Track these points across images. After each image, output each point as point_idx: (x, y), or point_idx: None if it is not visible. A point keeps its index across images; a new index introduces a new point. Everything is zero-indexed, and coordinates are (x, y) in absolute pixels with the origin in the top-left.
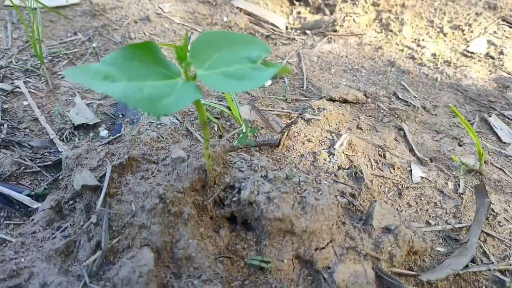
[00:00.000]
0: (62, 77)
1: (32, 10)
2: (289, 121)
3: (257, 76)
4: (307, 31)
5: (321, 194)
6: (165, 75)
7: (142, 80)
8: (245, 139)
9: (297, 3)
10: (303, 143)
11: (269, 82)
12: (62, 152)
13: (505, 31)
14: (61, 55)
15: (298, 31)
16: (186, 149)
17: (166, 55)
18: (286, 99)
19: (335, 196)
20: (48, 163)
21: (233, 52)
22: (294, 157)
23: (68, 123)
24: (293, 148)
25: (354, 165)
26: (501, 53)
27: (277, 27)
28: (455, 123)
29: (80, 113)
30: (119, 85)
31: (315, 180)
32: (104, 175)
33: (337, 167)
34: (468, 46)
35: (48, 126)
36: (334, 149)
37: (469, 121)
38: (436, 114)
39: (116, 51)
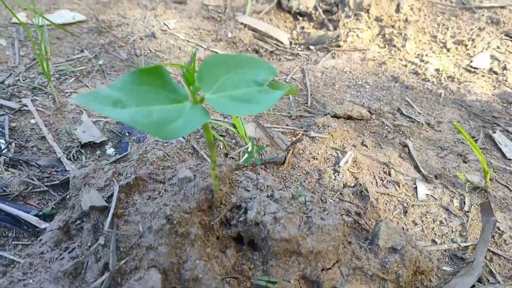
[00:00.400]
0: (69, 95)
1: (39, 28)
2: (294, 139)
3: (263, 99)
4: (311, 47)
5: (327, 214)
6: (173, 99)
7: (151, 105)
8: (251, 158)
9: (300, 18)
10: (308, 161)
11: None
12: (69, 171)
13: (508, 46)
14: (68, 72)
15: (302, 46)
16: (192, 168)
17: (171, 71)
18: (291, 116)
19: (341, 215)
20: (56, 182)
21: (240, 75)
22: (300, 175)
23: (75, 141)
24: (298, 166)
25: (360, 183)
26: (505, 68)
27: (281, 42)
28: (459, 139)
29: (87, 131)
30: (128, 110)
31: (321, 199)
32: (112, 195)
33: (342, 185)
34: (471, 62)
35: (56, 145)
36: (339, 166)
37: (473, 137)
38: (440, 130)
39: (125, 75)
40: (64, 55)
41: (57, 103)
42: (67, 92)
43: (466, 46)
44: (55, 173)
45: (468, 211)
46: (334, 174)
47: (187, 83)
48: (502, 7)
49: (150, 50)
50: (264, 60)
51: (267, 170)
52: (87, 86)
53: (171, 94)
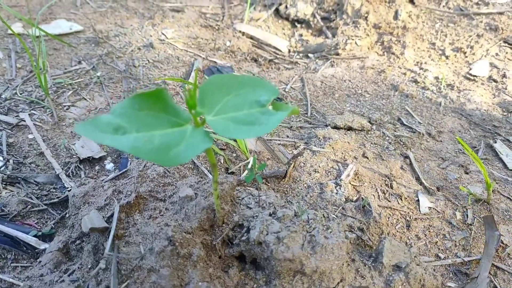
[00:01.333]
0: (67, 109)
1: (35, 39)
2: (295, 151)
3: (267, 120)
4: (310, 55)
5: (331, 232)
6: (174, 122)
7: (152, 130)
8: (253, 176)
9: (298, 25)
10: (310, 174)
11: None
12: (68, 188)
13: (507, 53)
14: (65, 85)
15: (301, 54)
16: (193, 186)
17: (170, 83)
18: (291, 127)
19: (344, 231)
20: (55, 200)
21: (242, 96)
22: (301, 189)
23: (74, 156)
24: (300, 179)
25: (362, 197)
26: (504, 76)
27: (280, 50)
28: (460, 150)
29: (85, 146)
30: (129, 136)
31: (324, 216)
32: (112, 215)
33: (344, 199)
34: (470, 69)
35: (54, 161)
36: (340, 179)
37: (474, 147)
38: (441, 141)
39: (125, 100)
40: (61, 66)
41: (55, 117)
42: (65, 106)
43: (465, 53)
44: (54, 190)
45: (471, 224)
46: (336, 187)
47: (188, 107)
48: (501, 13)
49: (148, 60)
50: (266, 80)
51: (268, 184)
52: (85, 99)
53: (173, 117)
